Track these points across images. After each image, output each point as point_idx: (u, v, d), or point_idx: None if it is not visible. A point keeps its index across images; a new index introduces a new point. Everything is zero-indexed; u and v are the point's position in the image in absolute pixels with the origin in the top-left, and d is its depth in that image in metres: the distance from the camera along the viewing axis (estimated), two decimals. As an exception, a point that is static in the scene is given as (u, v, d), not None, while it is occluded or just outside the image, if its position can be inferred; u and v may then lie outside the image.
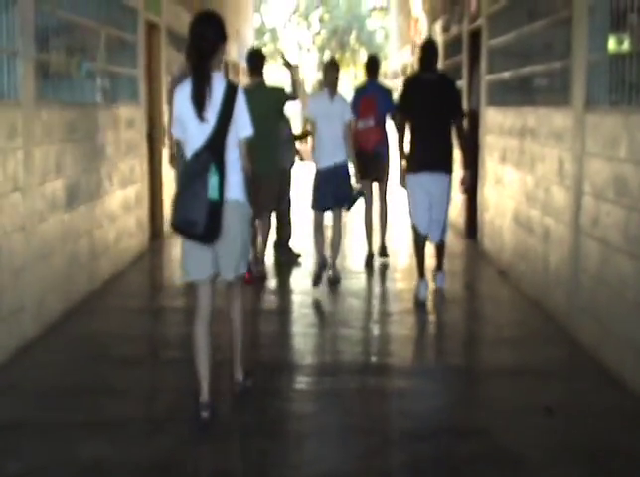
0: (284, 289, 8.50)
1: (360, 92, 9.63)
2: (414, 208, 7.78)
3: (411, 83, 8.08)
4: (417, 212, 7.77)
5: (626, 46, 5.87)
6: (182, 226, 4.66)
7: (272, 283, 8.45)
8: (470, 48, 11.13)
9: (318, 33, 43.16)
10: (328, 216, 8.44)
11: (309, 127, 8.67)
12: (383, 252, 9.76)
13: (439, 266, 8.08)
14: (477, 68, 10.61)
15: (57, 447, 4.52)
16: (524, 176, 8.08)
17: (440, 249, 8.01)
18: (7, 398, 5.23)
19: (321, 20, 42.71)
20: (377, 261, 9.63)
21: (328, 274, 8.47)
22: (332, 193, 8.19)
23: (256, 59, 8.64)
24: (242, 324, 5.16)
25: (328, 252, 8.42)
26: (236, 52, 20.03)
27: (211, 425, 4.72)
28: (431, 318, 7.44)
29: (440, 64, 13.40)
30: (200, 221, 4.56)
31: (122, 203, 9.05)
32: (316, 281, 8.22)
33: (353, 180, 8.36)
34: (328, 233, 8.67)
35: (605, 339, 5.79)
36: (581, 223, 6.26)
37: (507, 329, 6.93)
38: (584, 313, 6.21)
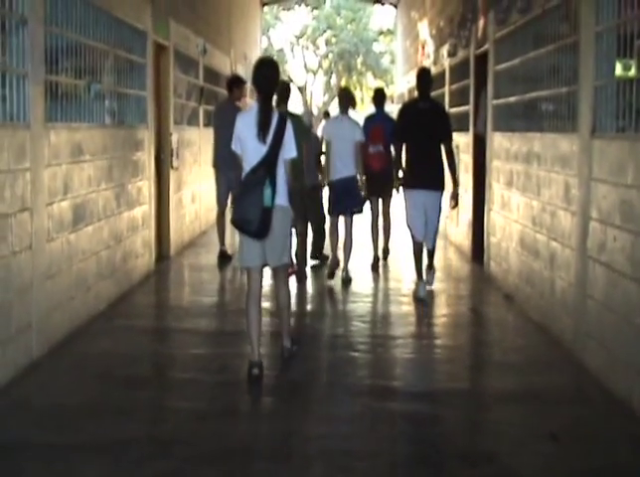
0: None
1: (370, 121, 10.77)
2: (412, 220, 8.99)
3: (408, 110, 9.30)
4: (414, 223, 8.97)
5: (633, 72, 5.90)
6: (240, 223, 5.99)
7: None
8: (477, 72, 11.16)
9: (326, 56, 43.33)
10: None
11: (324, 147, 9.99)
12: (385, 254, 11.23)
13: (430, 266, 9.34)
14: (484, 92, 10.64)
15: (60, 467, 4.51)
16: (530, 201, 8.09)
17: (431, 253, 9.31)
18: (12, 418, 5.23)
19: (328, 43, 42.88)
20: (382, 266, 10.90)
21: (342, 275, 9.74)
22: (344, 201, 9.73)
23: (285, 90, 9.40)
24: (288, 303, 6.42)
25: (341, 253, 9.87)
26: (243, 74, 20.10)
27: (257, 386, 5.89)
28: (437, 342, 7.43)
29: (446, 88, 13.57)
30: (255, 221, 5.85)
31: (129, 224, 9.08)
32: (330, 276, 9.82)
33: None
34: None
35: (612, 365, 5.78)
36: (588, 248, 6.26)
37: (513, 353, 6.92)
38: (591, 338, 6.20)
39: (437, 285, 9.63)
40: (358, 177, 9.75)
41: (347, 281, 9.67)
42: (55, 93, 6.89)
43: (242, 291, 9.54)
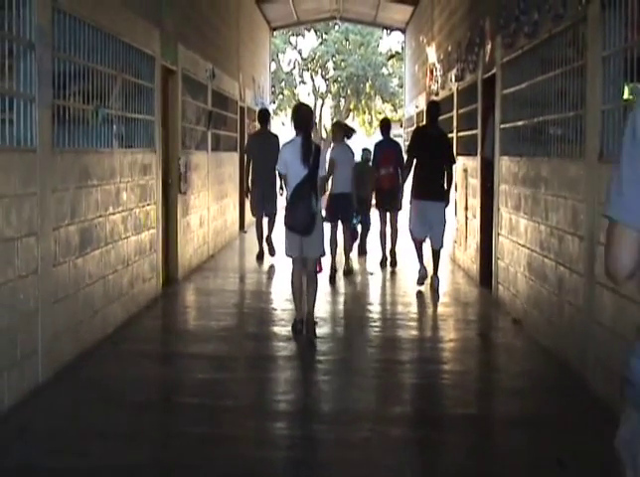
0: (297, 335, 8.42)
1: (380, 147, 12.90)
2: (413, 222, 10.89)
3: (419, 135, 11.38)
4: (414, 223, 10.86)
5: (640, 96, 5.89)
6: (292, 225, 7.89)
7: (285, 329, 8.41)
8: (484, 97, 11.17)
9: (335, 80, 43.48)
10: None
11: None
12: (393, 261, 12.92)
13: (435, 271, 10.79)
14: (491, 116, 10.65)
15: (66, 494, 4.49)
16: (538, 225, 8.07)
17: (437, 256, 10.82)
18: (18, 442, 5.20)
19: (336, 67, 43.03)
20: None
21: (343, 268, 11.92)
22: (339, 211, 11.80)
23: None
24: (314, 286, 8.17)
25: (338, 258, 11.88)
26: (251, 99, 20.18)
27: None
28: (444, 367, 7.39)
29: (454, 112, 13.60)
30: (304, 222, 7.81)
31: (136, 248, 9.08)
32: (331, 281, 11.47)
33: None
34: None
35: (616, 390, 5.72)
36: (595, 273, 6.23)
37: (521, 379, 6.88)
38: (599, 364, 6.16)
39: (445, 309, 9.74)
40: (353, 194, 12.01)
41: (349, 273, 11.93)
42: (62, 118, 6.91)
43: (250, 316, 9.60)
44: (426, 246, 11.12)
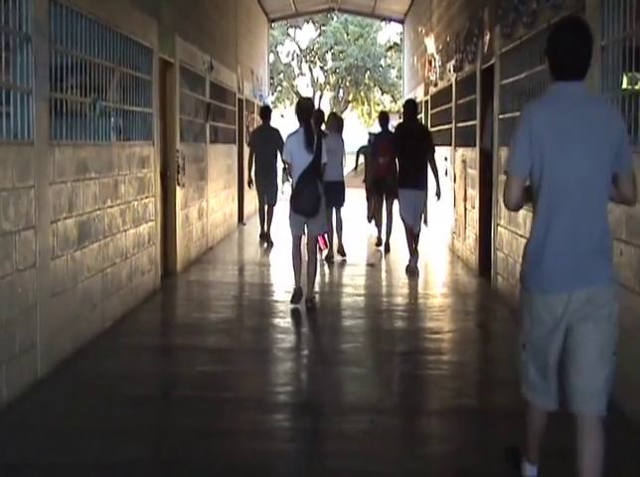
0: (295, 328, 8.42)
1: (379, 138, 13.67)
2: (403, 209, 11.81)
3: (401, 130, 12.33)
4: (404, 211, 11.77)
5: (639, 86, 5.86)
6: (300, 207, 8.73)
7: (284, 321, 8.41)
8: (483, 87, 11.14)
9: (334, 71, 43.43)
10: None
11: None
12: (386, 248, 13.61)
13: (415, 250, 11.69)
14: (490, 107, 10.62)
15: (65, 488, 4.48)
16: (537, 215, 8.04)
17: (416, 238, 11.76)
18: (16, 438, 5.19)
19: (335, 59, 42.98)
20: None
21: (338, 248, 12.73)
22: (331, 197, 11.57)
23: (319, 117, 12.13)
24: (314, 265, 9.05)
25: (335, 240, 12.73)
26: (250, 91, 20.14)
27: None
28: (443, 358, 7.38)
29: (453, 103, 13.58)
30: (311, 205, 8.67)
31: (135, 241, 9.06)
32: (328, 260, 12.44)
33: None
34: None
35: (619, 382, 5.71)
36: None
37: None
38: (598, 354, 6.14)
39: (444, 300, 9.79)
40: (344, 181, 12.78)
41: (343, 255, 12.75)
42: (60, 111, 6.89)
43: (249, 308, 9.59)
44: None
